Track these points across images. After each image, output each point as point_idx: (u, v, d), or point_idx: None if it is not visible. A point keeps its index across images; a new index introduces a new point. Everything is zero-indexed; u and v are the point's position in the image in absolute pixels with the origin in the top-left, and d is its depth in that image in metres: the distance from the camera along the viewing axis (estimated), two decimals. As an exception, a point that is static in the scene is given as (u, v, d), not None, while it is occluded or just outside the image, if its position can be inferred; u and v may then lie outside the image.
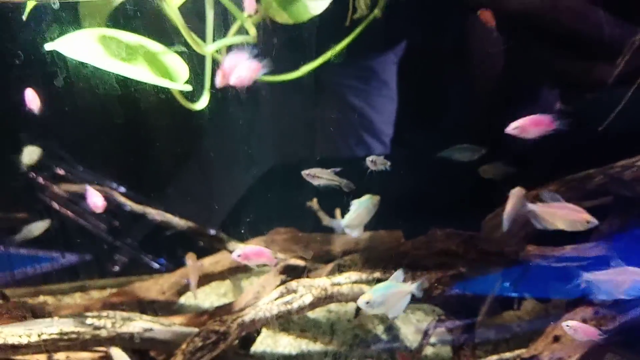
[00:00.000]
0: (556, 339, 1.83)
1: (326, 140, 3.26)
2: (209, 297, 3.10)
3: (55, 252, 3.00)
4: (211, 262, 2.76)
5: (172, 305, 2.75)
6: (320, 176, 1.93)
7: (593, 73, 2.63)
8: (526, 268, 2.19)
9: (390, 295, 1.70)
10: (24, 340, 1.83)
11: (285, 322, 2.82)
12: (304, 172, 1.93)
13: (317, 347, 2.60)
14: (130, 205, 2.54)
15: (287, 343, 2.64)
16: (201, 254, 2.83)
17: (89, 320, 1.88)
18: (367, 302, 1.68)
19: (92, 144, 2.82)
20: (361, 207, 1.84)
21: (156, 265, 3.10)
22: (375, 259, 2.15)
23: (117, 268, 3.10)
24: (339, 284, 2.03)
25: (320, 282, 2.03)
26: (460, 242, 2.02)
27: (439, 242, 2.05)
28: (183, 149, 3.01)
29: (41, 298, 3.01)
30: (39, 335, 1.83)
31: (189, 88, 2.05)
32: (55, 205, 2.83)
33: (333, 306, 2.91)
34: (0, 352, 1.86)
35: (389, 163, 1.91)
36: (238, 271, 2.83)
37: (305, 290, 2.00)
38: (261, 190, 3.02)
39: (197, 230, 2.57)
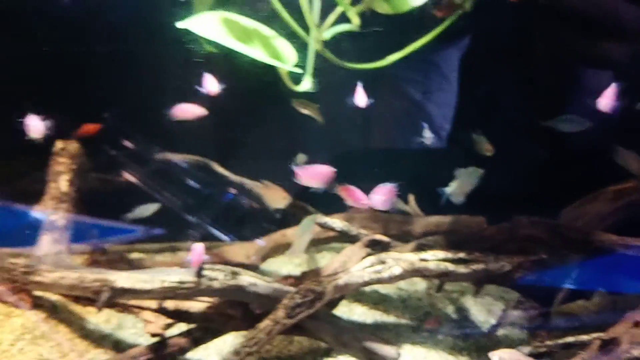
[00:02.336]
0: (637, 324, 1.93)
1: (384, 131, 3.37)
2: (286, 265, 3.32)
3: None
4: (293, 233, 2.97)
5: (256, 270, 2.98)
6: None
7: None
8: (604, 260, 2.29)
9: None
10: (148, 286, 2.09)
11: (357, 294, 3.01)
12: None
13: (390, 319, 2.78)
14: (228, 175, 2.77)
15: (361, 312, 2.84)
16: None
17: (204, 272, 2.12)
18: None
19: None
20: (466, 177, 1.99)
21: (227, 239, 3.34)
22: (459, 241, 2.30)
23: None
24: (425, 260, 2.19)
25: (409, 257, 2.20)
26: (545, 229, 2.14)
27: (523, 228, 2.17)
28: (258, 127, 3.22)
29: (135, 255, 3.31)
30: (162, 282, 2.09)
31: (299, 70, 2.24)
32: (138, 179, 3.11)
33: (403, 284, 3.08)
34: (127, 295, 2.13)
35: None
36: (317, 243, 3.03)
37: (394, 263, 2.18)
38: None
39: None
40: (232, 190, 3.30)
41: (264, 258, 3.03)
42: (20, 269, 2.20)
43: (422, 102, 3.33)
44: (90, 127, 2.66)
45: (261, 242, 3.06)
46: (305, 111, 2.73)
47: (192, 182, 3.33)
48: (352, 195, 2.06)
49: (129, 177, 3.21)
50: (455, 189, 1.99)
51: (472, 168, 2.01)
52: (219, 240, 3.34)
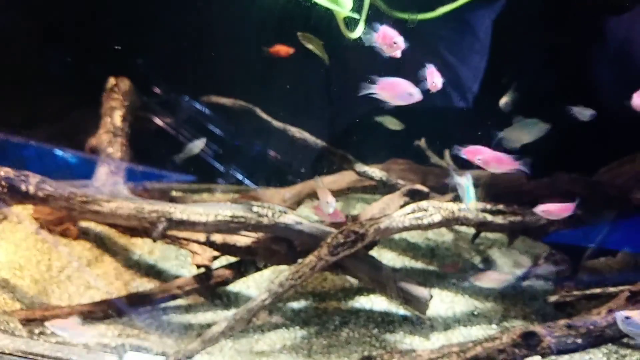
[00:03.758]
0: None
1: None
2: (318, 212, 3.45)
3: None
4: (330, 181, 3.07)
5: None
6: None
7: None
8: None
9: None
10: (203, 219, 2.21)
11: (386, 241, 3.14)
12: None
13: (418, 265, 2.92)
14: (271, 121, 2.84)
15: (390, 258, 2.98)
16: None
17: (255, 208, 2.23)
18: None
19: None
20: (523, 126, 1.94)
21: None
22: (497, 195, 2.38)
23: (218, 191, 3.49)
24: (465, 210, 2.28)
25: (449, 206, 2.29)
26: (584, 186, 2.21)
27: (563, 184, 2.25)
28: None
29: (174, 193, 3.44)
30: (215, 216, 2.21)
31: (357, 15, 2.27)
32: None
33: (431, 234, 3.20)
34: (182, 226, 2.25)
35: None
36: (351, 191, 3.14)
37: (434, 210, 2.28)
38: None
39: (329, 150, 2.86)
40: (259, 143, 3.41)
41: (299, 203, 3.15)
42: (79, 199, 2.30)
43: (451, 62, 3.33)
44: (282, 49, 2.69)
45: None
46: (309, 46, 2.62)
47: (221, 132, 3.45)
48: None
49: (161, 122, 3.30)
50: (508, 133, 1.97)
51: (535, 120, 1.96)
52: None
